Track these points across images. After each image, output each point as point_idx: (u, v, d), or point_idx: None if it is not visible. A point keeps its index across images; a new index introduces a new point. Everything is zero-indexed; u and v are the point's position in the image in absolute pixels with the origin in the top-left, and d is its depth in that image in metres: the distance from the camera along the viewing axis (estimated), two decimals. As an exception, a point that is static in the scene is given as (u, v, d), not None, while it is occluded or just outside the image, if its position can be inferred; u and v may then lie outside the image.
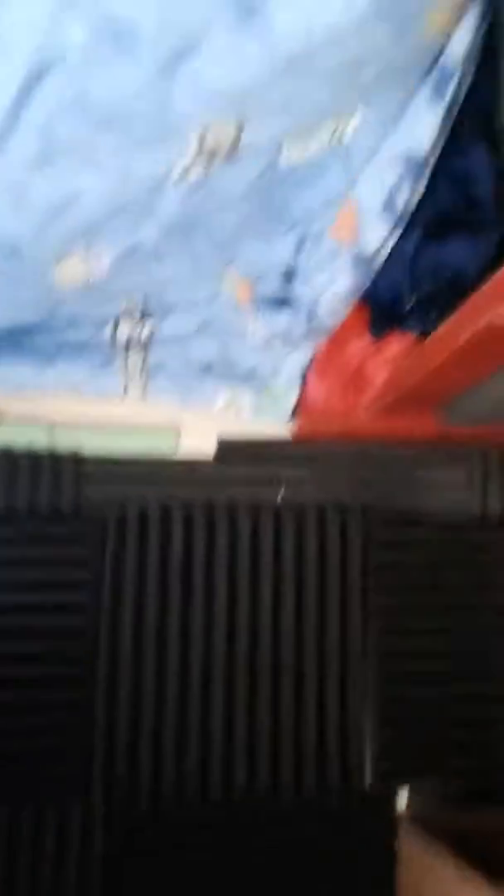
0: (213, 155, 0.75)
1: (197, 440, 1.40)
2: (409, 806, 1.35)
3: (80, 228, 0.91)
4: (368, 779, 1.32)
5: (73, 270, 1.03)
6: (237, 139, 0.73)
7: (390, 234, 0.91)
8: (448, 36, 0.69)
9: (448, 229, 0.96)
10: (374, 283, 1.04)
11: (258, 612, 1.33)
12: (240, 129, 0.71)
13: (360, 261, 0.95)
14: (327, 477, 1.36)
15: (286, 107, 0.68)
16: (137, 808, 1.25)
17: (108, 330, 1.32)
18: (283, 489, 1.36)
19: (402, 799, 1.34)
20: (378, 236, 0.91)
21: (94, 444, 1.37)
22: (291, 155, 0.90)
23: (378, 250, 0.93)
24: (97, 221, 0.88)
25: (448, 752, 1.34)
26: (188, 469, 1.38)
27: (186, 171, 0.77)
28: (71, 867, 1.21)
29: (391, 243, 0.95)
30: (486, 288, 0.87)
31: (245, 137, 0.73)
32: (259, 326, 1.24)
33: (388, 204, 0.86)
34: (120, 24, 0.53)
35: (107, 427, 1.38)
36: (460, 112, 0.91)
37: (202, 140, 0.71)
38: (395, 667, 1.34)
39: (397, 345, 1.09)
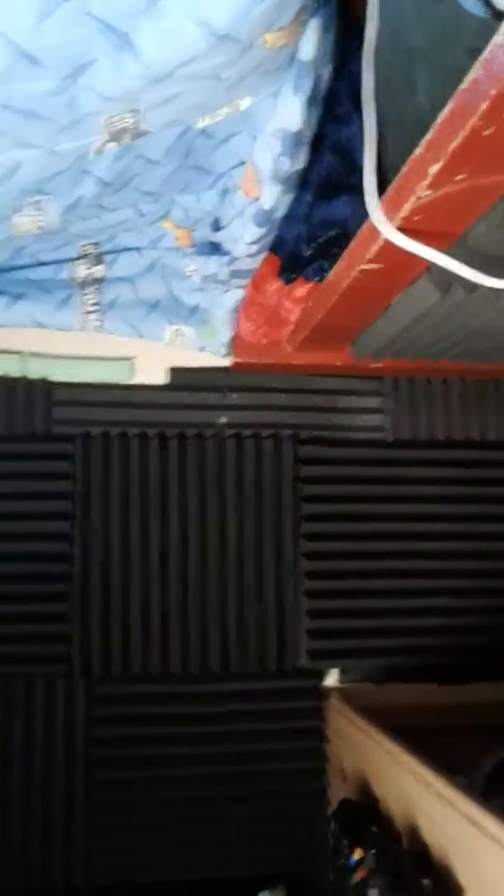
0: (121, 134, 0.99)
1: (149, 369, 1.66)
2: (338, 683, 1.64)
3: (27, 188, 1.15)
4: (303, 659, 1.62)
5: (27, 220, 1.28)
6: (138, 123, 0.96)
7: (282, 193, 1.15)
8: (295, 44, 0.90)
9: (334, 191, 1.19)
10: (280, 236, 1.27)
11: (207, 517, 1.61)
12: (136, 118, 0.94)
13: (262, 215, 1.19)
14: (261, 403, 1.62)
15: (171, 102, 0.92)
16: (110, 681, 1.55)
17: (66, 271, 1.56)
18: (225, 415, 1.63)
19: (332, 677, 1.64)
20: (272, 195, 1.14)
21: (57, 373, 1.64)
22: (204, 120, 1.13)
23: (274, 207, 1.17)
24: (39, 182, 1.13)
25: (370, 637, 1.63)
26: (145, 394, 1.65)
27: (103, 146, 1.01)
28: (58, 730, 1.53)
29: (286, 202, 1.19)
30: (354, 243, 1.10)
31: (144, 123, 0.97)
32: (196, 268, 1.48)
33: (276, 169, 1.09)
34: (29, 53, 0.77)
35: (68, 358, 1.63)
36: (339, 91, 1.13)
37: (109, 125, 0.95)
38: (323, 565, 1.63)
39: (303, 288, 1.33)
